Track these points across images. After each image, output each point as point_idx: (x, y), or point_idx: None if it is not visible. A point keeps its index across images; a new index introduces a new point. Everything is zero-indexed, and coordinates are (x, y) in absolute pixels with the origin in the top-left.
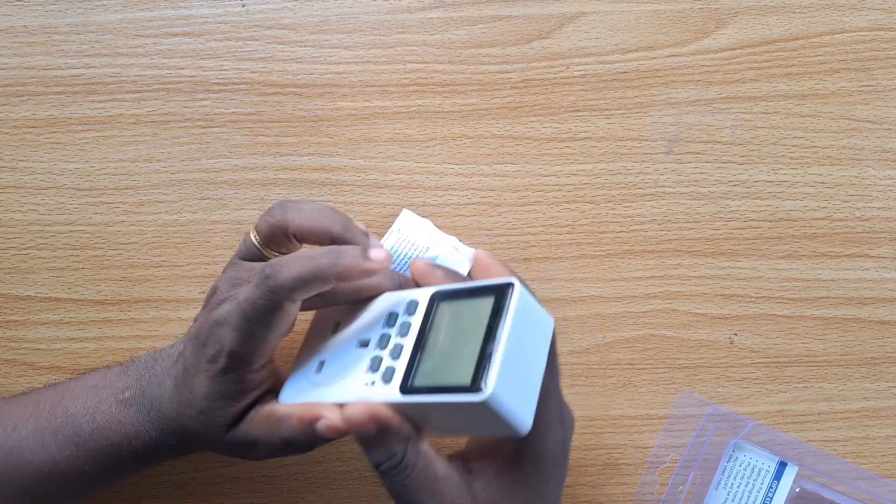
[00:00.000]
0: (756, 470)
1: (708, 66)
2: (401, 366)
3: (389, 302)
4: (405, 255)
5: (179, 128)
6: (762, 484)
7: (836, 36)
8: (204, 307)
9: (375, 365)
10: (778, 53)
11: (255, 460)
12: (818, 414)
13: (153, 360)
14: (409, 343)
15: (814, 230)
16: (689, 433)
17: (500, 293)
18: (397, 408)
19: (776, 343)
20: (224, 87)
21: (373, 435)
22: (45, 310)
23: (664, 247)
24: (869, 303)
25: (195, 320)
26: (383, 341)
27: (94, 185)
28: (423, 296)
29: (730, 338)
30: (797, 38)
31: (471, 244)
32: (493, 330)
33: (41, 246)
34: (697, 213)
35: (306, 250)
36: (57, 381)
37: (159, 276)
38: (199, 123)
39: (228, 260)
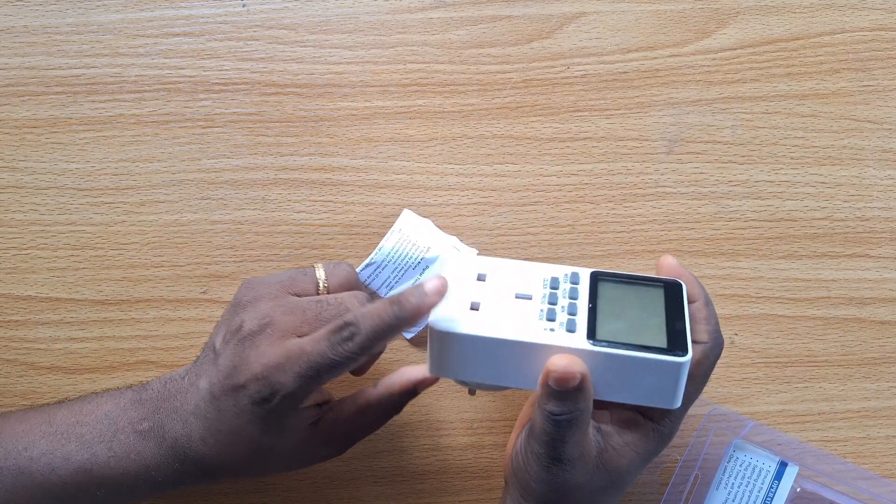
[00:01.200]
0: (756, 470)
1: (708, 66)
2: (581, 322)
3: (545, 268)
4: (406, 255)
5: (180, 128)
6: (763, 484)
7: (836, 36)
8: (223, 330)
9: (552, 315)
10: (778, 53)
11: (337, 455)
12: (818, 414)
13: (167, 391)
14: (582, 305)
15: (814, 230)
16: (690, 433)
17: (670, 287)
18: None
19: (777, 343)
20: (225, 88)
21: (575, 386)
22: (45, 310)
23: (664, 247)
24: (869, 303)
25: (214, 339)
26: (552, 299)
27: (95, 185)
28: (581, 271)
29: (730, 338)
30: (798, 38)
31: (471, 244)
32: (674, 313)
33: (42, 246)
34: (698, 213)
35: (371, 304)
36: (68, 396)
37: (160, 276)
38: (200, 123)
39: (245, 277)
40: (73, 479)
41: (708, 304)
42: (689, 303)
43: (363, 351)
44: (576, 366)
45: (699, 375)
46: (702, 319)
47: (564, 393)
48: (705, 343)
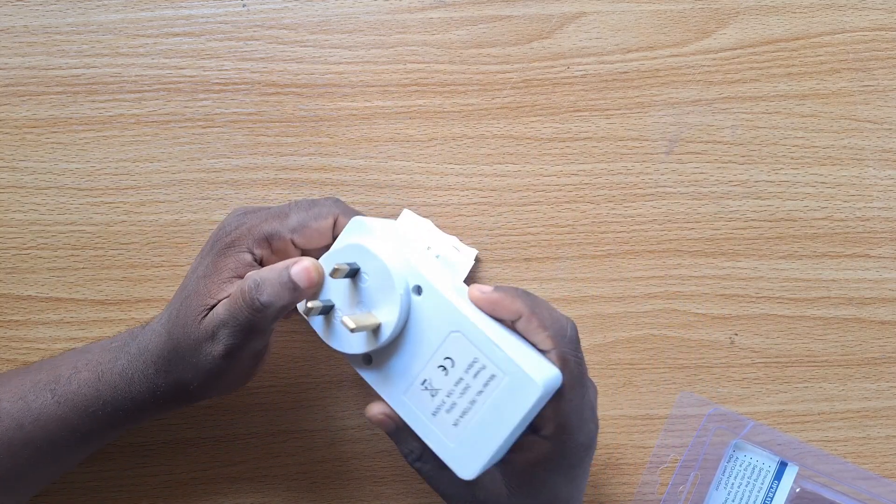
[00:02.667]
0: (756, 470)
1: (708, 66)
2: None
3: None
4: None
5: (180, 128)
6: (762, 484)
7: (836, 36)
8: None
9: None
10: (778, 53)
11: (219, 378)
12: (818, 414)
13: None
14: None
15: (814, 230)
16: (690, 433)
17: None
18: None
19: (776, 343)
20: (225, 87)
21: (393, 432)
22: (45, 310)
23: (665, 247)
24: (869, 303)
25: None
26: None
27: (95, 184)
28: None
29: (730, 338)
30: (798, 38)
31: (471, 244)
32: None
33: (42, 246)
34: (698, 213)
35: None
36: None
37: (160, 276)
38: (200, 123)
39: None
40: (36, 401)
41: (536, 312)
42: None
43: (270, 321)
44: (384, 415)
45: (568, 393)
46: (534, 330)
47: (398, 433)
48: (552, 349)
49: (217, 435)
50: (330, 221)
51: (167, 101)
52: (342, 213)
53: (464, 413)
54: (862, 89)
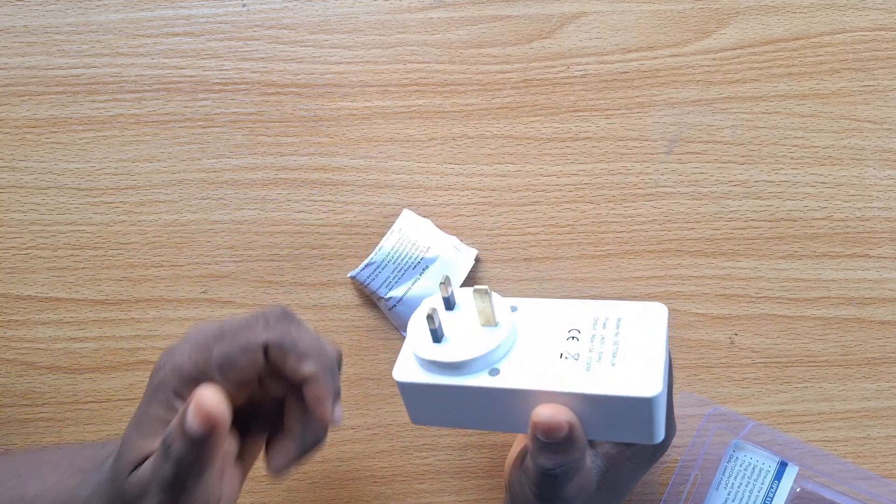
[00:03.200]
0: (756, 470)
1: (708, 66)
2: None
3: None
4: (406, 255)
5: (180, 128)
6: (763, 484)
7: (836, 36)
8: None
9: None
10: (778, 53)
11: None
12: (818, 414)
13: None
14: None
15: (814, 230)
16: (690, 433)
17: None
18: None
19: (776, 343)
20: (224, 87)
21: (564, 436)
22: (45, 309)
23: (664, 247)
24: (869, 303)
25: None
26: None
27: (95, 184)
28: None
29: (730, 338)
30: (798, 38)
31: (471, 244)
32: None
33: (42, 246)
34: (698, 213)
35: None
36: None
37: (160, 276)
38: (200, 123)
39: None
40: None
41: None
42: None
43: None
44: (562, 415)
45: None
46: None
47: (555, 445)
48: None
49: None
50: (258, 355)
51: (167, 101)
52: (276, 339)
53: (614, 354)
54: (862, 89)
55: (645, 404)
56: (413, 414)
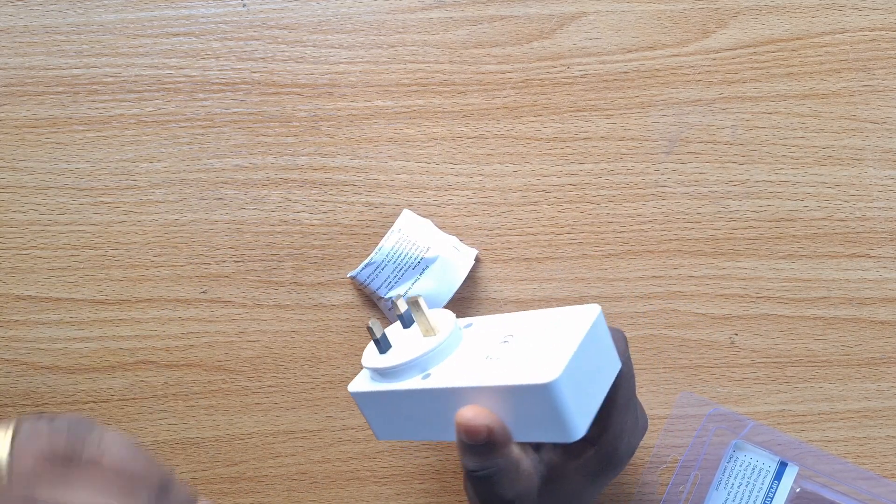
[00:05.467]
0: (756, 470)
1: (709, 66)
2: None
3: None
4: (406, 255)
5: (180, 128)
6: (763, 484)
7: (836, 36)
8: None
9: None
10: (779, 53)
11: None
12: (819, 414)
13: None
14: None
15: (814, 230)
16: (690, 433)
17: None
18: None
19: (777, 343)
20: (225, 87)
21: (484, 439)
22: (45, 309)
23: (665, 247)
24: (869, 303)
25: None
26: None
27: (95, 184)
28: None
29: (730, 338)
30: (798, 38)
31: (471, 244)
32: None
33: (42, 246)
34: (698, 213)
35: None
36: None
37: (160, 276)
38: (200, 123)
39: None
40: None
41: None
42: None
43: None
44: (482, 417)
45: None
46: None
47: (477, 447)
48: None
49: (217, 435)
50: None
51: (167, 101)
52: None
53: (531, 351)
54: (862, 89)
55: (544, 391)
56: (375, 429)
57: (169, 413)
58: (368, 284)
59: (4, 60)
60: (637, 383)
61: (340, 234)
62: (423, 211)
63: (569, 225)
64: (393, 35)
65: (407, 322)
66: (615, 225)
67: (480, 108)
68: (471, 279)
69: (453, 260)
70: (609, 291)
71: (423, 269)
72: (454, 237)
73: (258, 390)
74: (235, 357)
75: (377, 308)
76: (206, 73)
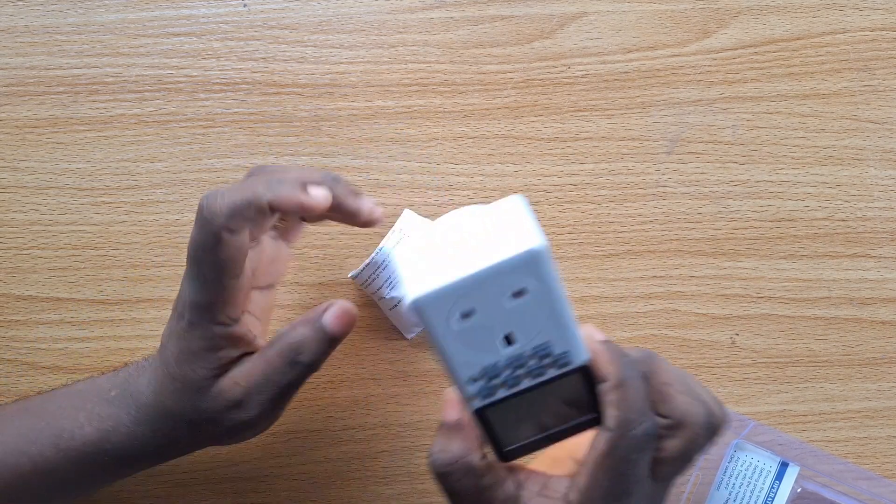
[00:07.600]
0: (757, 470)
1: (709, 66)
2: None
3: None
4: None
5: (181, 128)
6: (763, 484)
7: (837, 36)
8: None
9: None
10: (779, 53)
11: (246, 433)
12: (819, 414)
13: (145, 360)
14: None
15: (815, 230)
16: None
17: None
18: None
19: (777, 343)
20: (225, 87)
21: (454, 422)
22: (46, 309)
23: (665, 247)
24: (870, 303)
25: None
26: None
27: (96, 184)
28: None
29: (731, 338)
30: (799, 38)
31: None
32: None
33: (43, 246)
34: (699, 213)
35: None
36: (53, 386)
37: (161, 276)
38: (201, 123)
39: None
40: (42, 456)
41: (621, 385)
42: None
43: (219, 219)
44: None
45: (617, 459)
46: (610, 403)
47: (446, 427)
48: (610, 431)
49: None
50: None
51: (168, 101)
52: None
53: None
54: (863, 89)
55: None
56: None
57: None
58: (369, 284)
59: (5, 60)
60: None
61: (341, 234)
62: (424, 211)
63: (569, 225)
64: (394, 35)
65: None
66: (616, 225)
67: (481, 108)
68: None
69: None
70: (610, 291)
71: None
72: None
73: None
74: None
75: (377, 308)
76: (207, 73)
